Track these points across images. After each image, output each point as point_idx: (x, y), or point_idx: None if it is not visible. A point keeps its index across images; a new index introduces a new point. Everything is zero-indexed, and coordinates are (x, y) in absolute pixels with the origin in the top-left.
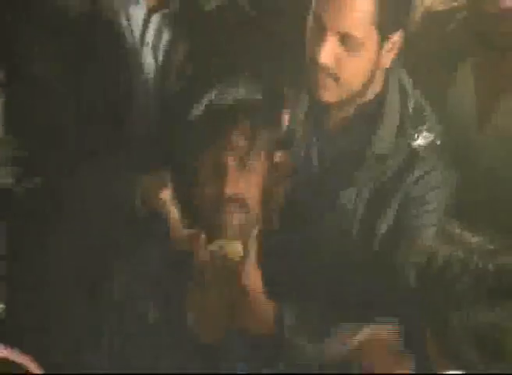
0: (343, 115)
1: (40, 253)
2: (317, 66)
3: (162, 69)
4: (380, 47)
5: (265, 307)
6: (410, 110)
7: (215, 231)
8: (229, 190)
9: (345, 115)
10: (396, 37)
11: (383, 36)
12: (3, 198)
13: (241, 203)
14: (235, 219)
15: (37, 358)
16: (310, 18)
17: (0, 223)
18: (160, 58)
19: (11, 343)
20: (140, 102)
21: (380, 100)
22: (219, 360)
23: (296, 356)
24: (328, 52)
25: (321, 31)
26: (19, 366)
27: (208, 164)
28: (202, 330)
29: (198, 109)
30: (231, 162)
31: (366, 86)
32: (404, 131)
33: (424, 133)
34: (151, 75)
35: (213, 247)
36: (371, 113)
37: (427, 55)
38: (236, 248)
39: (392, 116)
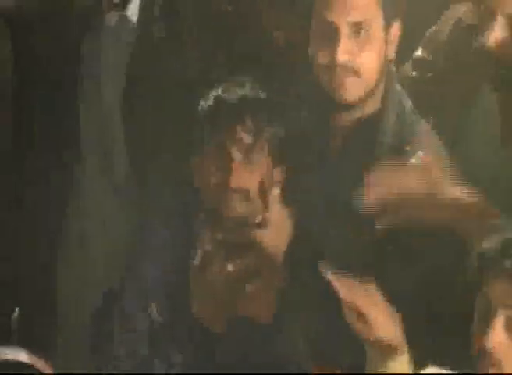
0: (348, 119)
1: None
2: (334, 66)
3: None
4: (386, 35)
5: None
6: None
7: (218, 219)
8: (234, 183)
9: (350, 119)
10: (396, 27)
11: (386, 24)
12: None
13: (244, 194)
14: (238, 208)
15: None
16: (314, 17)
17: None
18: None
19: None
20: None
21: (379, 113)
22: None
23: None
24: (345, 48)
25: (329, 28)
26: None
27: (214, 156)
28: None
29: (205, 104)
30: (236, 155)
31: (379, 81)
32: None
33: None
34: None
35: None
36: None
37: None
38: None
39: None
